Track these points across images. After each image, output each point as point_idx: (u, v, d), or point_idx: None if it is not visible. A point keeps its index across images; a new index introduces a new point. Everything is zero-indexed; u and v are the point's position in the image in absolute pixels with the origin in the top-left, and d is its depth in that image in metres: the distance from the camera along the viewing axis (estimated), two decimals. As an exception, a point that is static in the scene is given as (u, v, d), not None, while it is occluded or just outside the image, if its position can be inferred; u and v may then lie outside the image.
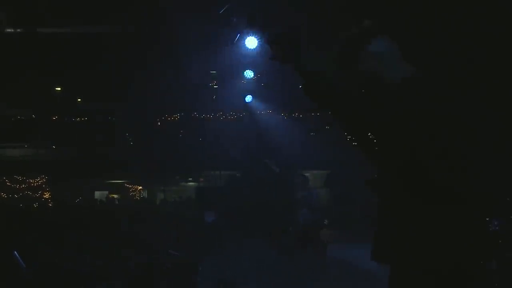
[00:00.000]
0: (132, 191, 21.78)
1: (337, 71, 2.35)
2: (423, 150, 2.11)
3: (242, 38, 10.11)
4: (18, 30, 16.25)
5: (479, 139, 2.22)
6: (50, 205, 18.16)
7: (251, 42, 10.03)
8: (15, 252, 5.62)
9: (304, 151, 14.87)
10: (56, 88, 20.09)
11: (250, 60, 12.38)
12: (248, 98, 14.85)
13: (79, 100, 20.44)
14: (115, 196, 20.53)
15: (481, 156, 2.21)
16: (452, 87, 2.27)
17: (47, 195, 20.00)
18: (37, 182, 20.19)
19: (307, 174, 13.83)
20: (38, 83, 17.96)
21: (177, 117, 19.78)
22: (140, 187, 21.93)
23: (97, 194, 20.60)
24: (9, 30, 16.17)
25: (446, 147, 2.13)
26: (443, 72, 2.35)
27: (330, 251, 10.16)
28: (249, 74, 13.56)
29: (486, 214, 2.23)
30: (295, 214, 10.94)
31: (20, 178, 19.91)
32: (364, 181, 2.35)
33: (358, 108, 2.22)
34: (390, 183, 2.27)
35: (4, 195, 19.48)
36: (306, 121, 18.27)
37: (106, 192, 20.95)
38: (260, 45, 9.94)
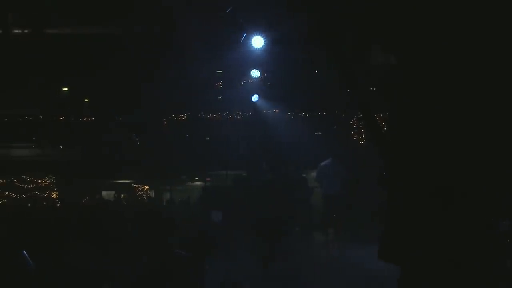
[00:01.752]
0: (139, 190, 21.82)
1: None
2: (437, 148, 2.10)
3: (249, 38, 10.09)
4: (26, 31, 16.35)
5: (486, 139, 2.20)
6: (57, 204, 18.24)
7: (258, 41, 10.01)
8: (24, 252, 5.65)
9: (310, 150, 14.84)
10: (63, 89, 20.21)
11: (257, 60, 12.37)
12: (255, 98, 14.85)
13: (86, 100, 20.55)
14: (121, 195, 20.58)
15: (489, 155, 2.19)
16: (458, 86, 2.26)
17: (54, 195, 20.09)
18: (45, 182, 20.29)
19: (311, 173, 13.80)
20: (46, 83, 18.07)
21: (183, 117, 19.82)
22: (147, 187, 21.97)
23: (104, 194, 20.67)
24: (17, 31, 16.26)
25: (456, 146, 2.12)
26: (448, 72, 2.34)
27: (335, 251, 10.13)
28: (255, 73, 13.56)
29: (496, 214, 2.22)
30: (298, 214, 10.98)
31: (28, 178, 20.00)
32: (377, 180, 2.34)
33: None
34: (401, 181, 2.25)
35: (12, 195, 19.60)
36: (313, 121, 18.23)
37: (113, 192, 21.01)
38: (266, 44, 9.94)
